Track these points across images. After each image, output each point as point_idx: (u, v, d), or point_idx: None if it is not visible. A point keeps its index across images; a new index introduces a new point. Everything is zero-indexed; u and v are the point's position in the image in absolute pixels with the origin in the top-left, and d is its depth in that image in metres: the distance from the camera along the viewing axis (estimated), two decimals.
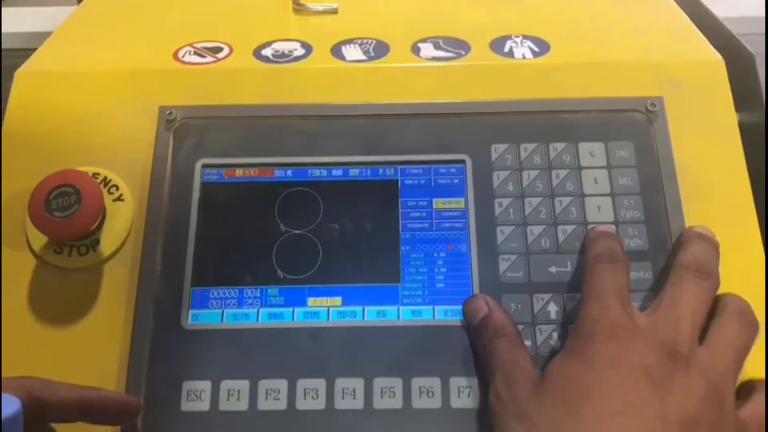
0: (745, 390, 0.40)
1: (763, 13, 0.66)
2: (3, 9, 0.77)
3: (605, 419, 0.35)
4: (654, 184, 0.44)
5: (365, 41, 0.52)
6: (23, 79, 0.49)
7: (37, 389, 0.35)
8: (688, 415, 0.35)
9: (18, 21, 0.74)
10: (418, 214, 0.45)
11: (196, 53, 0.51)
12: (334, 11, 0.57)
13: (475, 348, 0.41)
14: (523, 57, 0.50)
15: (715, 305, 0.40)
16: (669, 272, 0.41)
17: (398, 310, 0.42)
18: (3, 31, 0.72)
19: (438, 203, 0.45)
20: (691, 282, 0.39)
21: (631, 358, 0.36)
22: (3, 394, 0.32)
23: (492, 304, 0.41)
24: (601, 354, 0.36)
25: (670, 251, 0.43)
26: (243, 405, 0.40)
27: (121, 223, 0.44)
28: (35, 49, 0.53)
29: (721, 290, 0.41)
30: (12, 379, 0.35)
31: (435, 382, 0.40)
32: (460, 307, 0.42)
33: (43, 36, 0.55)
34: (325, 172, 0.46)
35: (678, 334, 0.37)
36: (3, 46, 0.72)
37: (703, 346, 0.38)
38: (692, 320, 0.38)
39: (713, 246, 0.41)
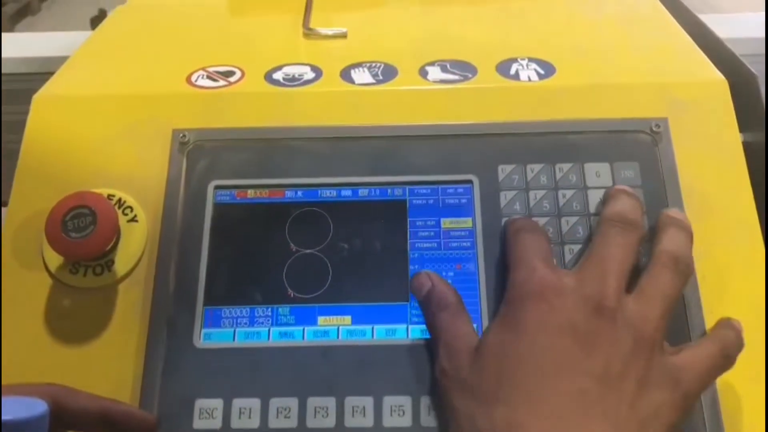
0: (698, 340, 0.41)
1: (764, 35, 0.67)
2: (21, 34, 0.79)
3: (536, 382, 0.36)
4: (659, 204, 0.45)
5: (374, 65, 0.53)
6: (41, 103, 0.51)
7: (61, 395, 0.36)
8: (615, 368, 0.36)
9: (35, 46, 0.76)
10: (426, 233, 0.45)
11: (208, 77, 0.52)
12: (344, 35, 0.58)
13: None
14: (529, 79, 0.50)
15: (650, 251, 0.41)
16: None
17: (407, 328, 0.43)
18: (20, 56, 0.74)
19: (446, 223, 0.46)
20: (615, 234, 0.40)
21: (558, 318, 0.37)
22: (31, 398, 0.33)
23: (435, 278, 0.42)
24: (530, 317, 0.38)
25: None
26: (254, 423, 0.41)
27: (135, 243, 0.45)
28: (52, 73, 0.54)
29: (725, 307, 0.41)
30: (37, 385, 0.36)
31: None
32: None
33: (59, 60, 0.56)
34: (334, 193, 0.47)
35: (604, 287, 0.38)
36: (20, 71, 0.74)
37: (632, 297, 0.38)
38: (618, 272, 0.38)
39: (635, 198, 0.43)
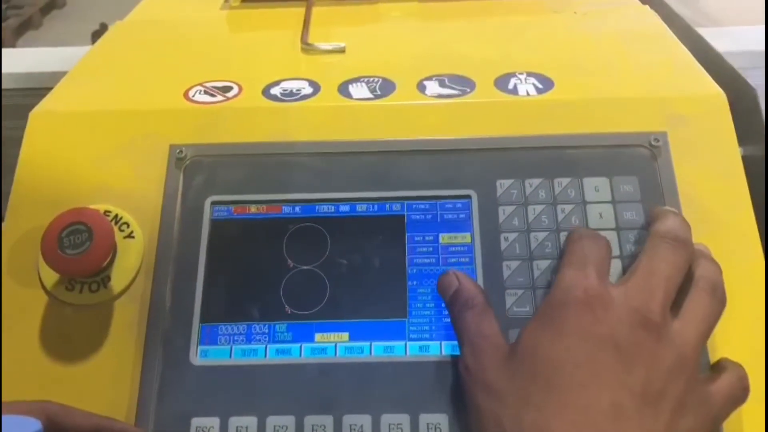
0: (717, 368, 0.40)
1: (762, 48, 0.67)
2: (21, 49, 0.79)
3: (572, 391, 0.35)
4: None
5: (372, 79, 0.53)
6: (37, 119, 0.51)
7: (55, 413, 0.36)
8: (655, 386, 0.35)
9: (32, 61, 0.76)
10: (424, 249, 0.45)
11: (206, 92, 0.52)
12: (342, 50, 0.58)
13: None
14: (527, 94, 0.50)
15: (688, 277, 0.40)
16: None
17: (405, 345, 0.43)
18: (20, 71, 0.74)
19: (444, 238, 0.45)
20: (666, 251, 0.40)
21: (602, 330, 0.36)
22: (24, 417, 0.33)
23: (462, 277, 0.42)
24: (572, 325, 0.37)
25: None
26: None
27: (131, 259, 0.45)
28: (48, 88, 0.54)
29: (728, 320, 0.41)
30: (31, 403, 0.36)
31: (443, 419, 0.40)
32: None
33: (56, 76, 0.56)
34: (332, 208, 0.46)
35: (651, 301, 0.37)
36: (20, 86, 0.74)
37: (676, 318, 0.38)
38: (666, 288, 0.38)
39: (683, 219, 0.42)
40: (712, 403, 0.37)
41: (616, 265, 0.44)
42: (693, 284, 0.39)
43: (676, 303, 0.39)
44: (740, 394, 0.39)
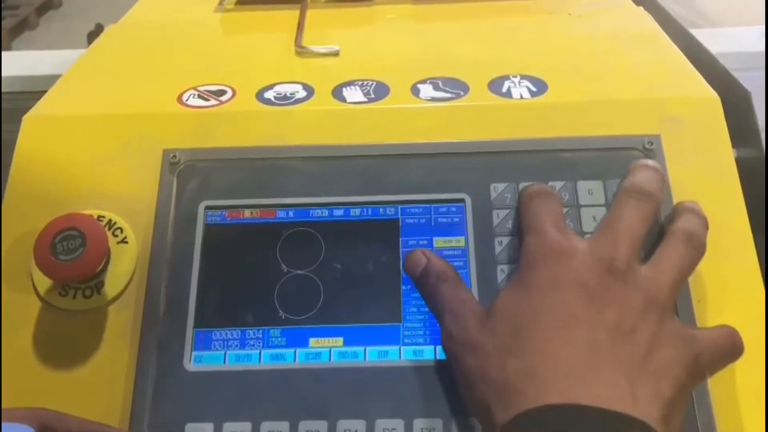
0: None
1: (756, 49, 0.67)
2: (15, 52, 0.79)
3: (549, 336, 0.37)
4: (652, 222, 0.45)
5: (366, 83, 0.53)
6: (31, 124, 0.50)
7: (49, 420, 0.36)
8: (626, 322, 0.37)
9: (27, 64, 0.76)
10: None
11: (199, 96, 0.52)
12: (336, 53, 0.58)
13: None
14: (521, 97, 0.50)
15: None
16: None
17: (400, 350, 0.42)
18: (15, 74, 0.74)
19: (438, 242, 0.45)
20: (630, 205, 0.41)
21: (569, 276, 0.38)
22: (17, 424, 0.33)
23: (430, 254, 0.43)
24: (541, 277, 0.39)
25: None
26: None
27: (125, 265, 0.45)
28: (43, 92, 0.54)
29: (722, 321, 0.41)
30: (25, 409, 0.36)
31: (437, 423, 0.40)
32: None
33: (51, 79, 0.56)
34: (326, 213, 0.46)
35: (615, 251, 0.39)
36: (15, 89, 0.74)
37: (645, 265, 0.39)
38: (630, 239, 0.39)
39: (656, 171, 0.43)
40: (692, 342, 0.38)
41: None
42: (667, 234, 0.41)
43: (651, 255, 0.40)
44: (728, 347, 0.39)
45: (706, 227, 0.42)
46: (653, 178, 0.42)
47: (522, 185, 0.46)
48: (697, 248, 0.41)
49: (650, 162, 0.44)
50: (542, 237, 0.40)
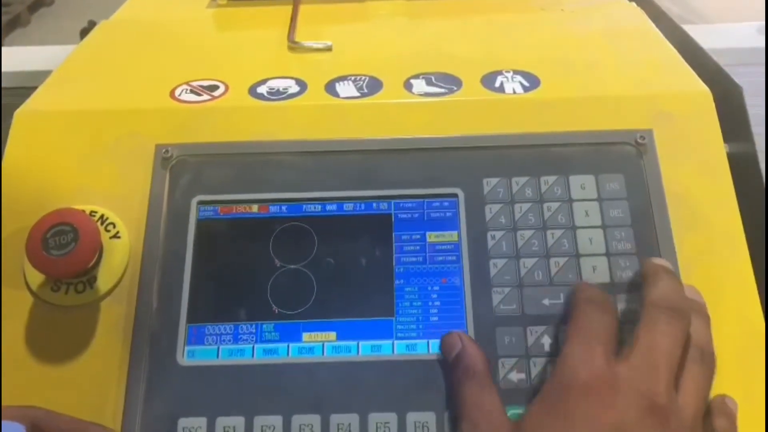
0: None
1: (748, 45, 0.67)
2: (7, 48, 0.78)
3: None
4: (645, 216, 0.45)
5: (359, 78, 0.53)
6: (22, 119, 0.50)
7: (40, 419, 0.36)
8: None
9: (19, 60, 0.76)
10: (411, 247, 0.45)
11: (192, 91, 0.52)
12: (329, 49, 0.58)
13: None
14: (514, 92, 0.50)
15: None
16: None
17: (393, 344, 0.43)
18: (4, 70, 0.74)
19: (431, 237, 0.45)
20: (665, 323, 0.38)
21: (609, 417, 0.35)
22: (8, 422, 0.33)
23: (465, 340, 0.41)
24: (579, 411, 0.36)
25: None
26: None
27: (117, 260, 0.45)
28: (35, 87, 0.54)
29: (715, 318, 0.41)
30: (17, 408, 0.36)
31: (430, 417, 0.40)
32: None
33: (43, 75, 0.56)
34: (319, 207, 0.46)
35: (657, 383, 0.36)
36: (6, 85, 0.73)
37: (679, 394, 0.37)
38: (669, 366, 0.37)
39: (677, 279, 0.41)
40: None
41: (603, 264, 0.44)
42: (684, 353, 0.38)
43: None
44: None
45: (709, 325, 0.40)
46: (678, 289, 0.40)
47: (514, 180, 0.46)
48: (710, 367, 0.39)
49: (665, 264, 0.42)
50: (588, 356, 0.37)
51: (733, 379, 0.41)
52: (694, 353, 0.39)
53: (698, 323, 0.40)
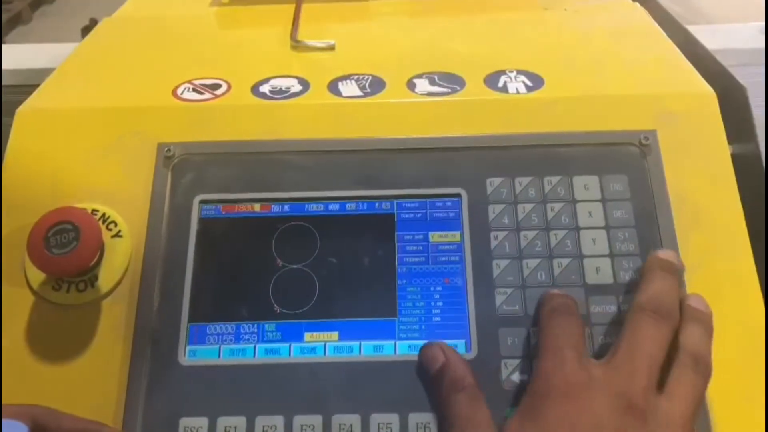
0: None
1: (753, 46, 0.67)
2: (7, 46, 0.78)
3: None
4: (648, 217, 0.45)
5: (361, 77, 0.53)
6: (24, 117, 0.50)
7: (42, 417, 0.36)
8: None
9: (20, 58, 0.75)
10: (414, 247, 0.45)
11: (194, 90, 0.52)
12: (331, 48, 0.58)
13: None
14: (517, 92, 0.50)
15: (673, 345, 0.39)
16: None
17: (395, 344, 0.42)
18: (6, 68, 0.73)
19: (434, 237, 0.45)
20: (648, 325, 0.38)
21: (586, 419, 0.35)
22: (10, 420, 0.33)
23: (449, 352, 0.40)
24: (556, 416, 0.36)
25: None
26: None
27: (119, 259, 0.45)
28: (37, 85, 0.54)
29: (718, 319, 0.41)
30: (18, 406, 0.36)
31: (432, 418, 0.40)
32: (457, 341, 0.42)
33: (45, 73, 0.56)
34: (321, 207, 0.46)
35: (634, 384, 0.36)
36: (6, 83, 0.73)
37: (663, 396, 0.37)
38: (649, 369, 0.37)
39: (674, 279, 0.41)
40: None
41: (606, 264, 0.44)
42: (676, 357, 0.38)
43: (661, 376, 0.38)
44: None
45: (711, 334, 0.40)
46: (670, 290, 0.40)
47: (518, 180, 0.46)
48: (705, 374, 0.38)
49: (670, 257, 0.42)
50: (560, 363, 0.37)
51: (734, 378, 0.41)
52: (686, 359, 0.38)
53: (696, 331, 0.39)
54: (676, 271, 0.41)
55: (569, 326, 0.40)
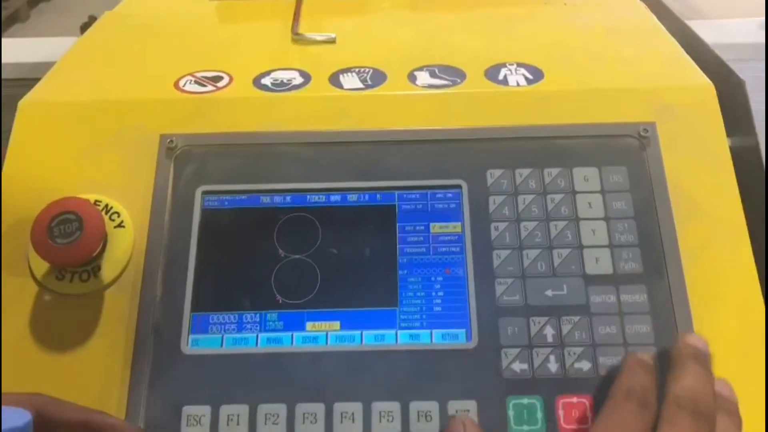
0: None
1: (751, 40, 0.67)
2: (8, 39, 0.78)
3: None
4: (648, 208, 0.45)
5: (362, 70, 0.53)
6: (26, 109, 0.50)
7: (45, 406, 0.36)
8: None
9: (22, 51, 0.75)
10: (415, 238, 0.45)
11: (196, 82, 0.52)
12: (333, 41, 0.58)
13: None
14: (518, 84, 0.51)
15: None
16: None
17: (396, 334, 0.43)
18: (7, 61, 0.74)
19: (435, 227, 0.45)
20: (687, 425, 0.35)
21: None
22: (14, 408, 0.33)
23: (469, 425, 0.39)
24: None
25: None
26: (242, 430, 0.40)
27: (122, 249, 0.45)
28: (39, 79, 0.54)
29: (714, 311, 0.41)
30: (22, 395, 0.36)
31: (433, 406, 0.41)
32: (457, 331, 0.42)
33: (46, 66, 0.56)
34: (323, 198, 0.46)
35: None
36: (7, 77, 0.73)
37: None
38: None
39: (708, 372, 0.38)
40: None
41: (605, 255, 0.44)
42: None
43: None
44: None
45: (740, 426, 0.38)
46: (705, 385, 0.37)
47: (518, 171, 0.46)
48: (707, 420, 0.36)
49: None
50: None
51: (733, 371, 0.41)
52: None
53: (726, 426, 0.37)
54: (708, 362, 0.38)
55: (635, 423, 0.36)
